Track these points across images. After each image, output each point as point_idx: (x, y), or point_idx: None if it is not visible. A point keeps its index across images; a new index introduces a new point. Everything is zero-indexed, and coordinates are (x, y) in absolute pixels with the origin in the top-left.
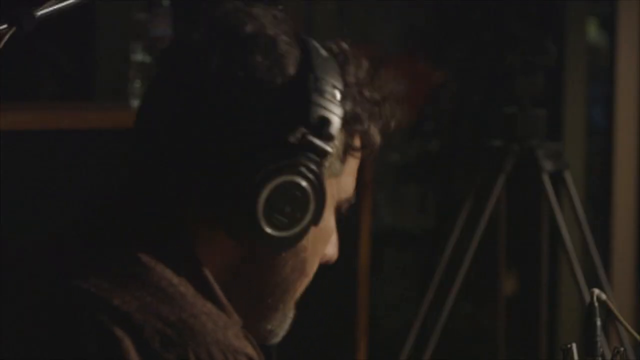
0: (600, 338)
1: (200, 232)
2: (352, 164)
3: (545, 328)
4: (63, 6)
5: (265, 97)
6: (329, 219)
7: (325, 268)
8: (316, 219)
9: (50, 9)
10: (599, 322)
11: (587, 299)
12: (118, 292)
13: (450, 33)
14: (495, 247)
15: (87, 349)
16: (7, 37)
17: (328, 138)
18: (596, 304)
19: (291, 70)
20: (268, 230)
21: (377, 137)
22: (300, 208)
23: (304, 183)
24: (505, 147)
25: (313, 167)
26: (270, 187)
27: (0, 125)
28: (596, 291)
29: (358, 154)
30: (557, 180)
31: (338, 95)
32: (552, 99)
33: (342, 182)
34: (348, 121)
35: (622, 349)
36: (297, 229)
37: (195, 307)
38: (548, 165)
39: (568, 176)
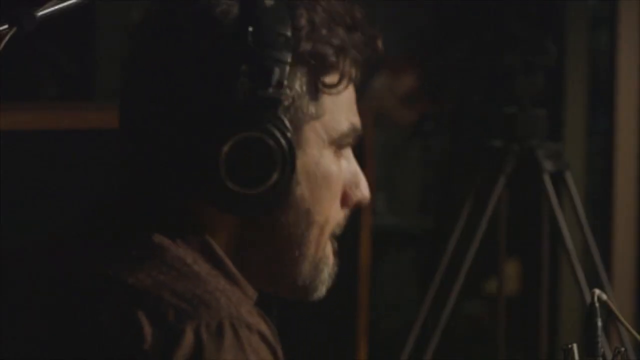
0: (601, 338)
1: (203, 213)
2: (336, 101)
3: (546, 328)
4: (64, 6)
5: (207, 62)
6: (324, 162)
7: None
8: (288, 168)
9: (51, 9)
10: (599, 323)
11: (588, 299)
12: (132, 272)
13: (451, 33)
14: (496, 247)
15: (103, 327)
16: (7, 37)
17: (277, 86)
18: (597, 304)
19: (229, 29)
20: (241, 191)
21: (351, 69)
22: (265, 161)
23: (259, 136)
24: (505, 147)
25: (267, 118)
26: (227, 148)
27: (0, 125)
28: (597, 291)
29: (336, 90)
30: (558, 180)
31: (283, 41)
32: (552, 99)
33: (327, 122)
34: (308, 61)
35: (622, 349)
36: (270, 183)
37: (209, 284)
38: (548, 166)
39: (569, 176)
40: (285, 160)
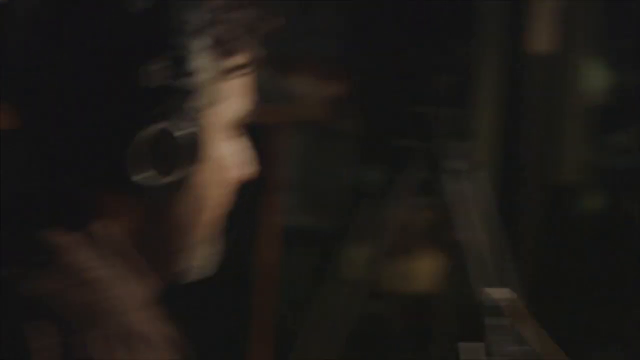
0: (503, 337)
1: (107, 203)
2: (234, 85)
3: (444, 327)
4: None
5: (111, 52)
6: (219, 148)
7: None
8: (189, 159)
9: None
10: (498, 322)
11: (489, 298)
12: (28, 279)
13: (367, 36)
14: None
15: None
16: None
17: (182, 75)
18: (497, 303)
19: (136, 20)
20: (144, 182)
21: (248, 52)
22: (168, 154)
23: (162, 129)
24: (416, 146)
25: (168, 109)
26: (131, 141)
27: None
28: (496, 290)
29: (239, 73)
30: (469, 179)
31: (190, 29)
32: (463, 99)
33: (225, 107)
34: (213, 47)
35: (528, 347)
36: (174, 174)
37: (103, 291)
38: (459, 165)
39: (480, 176)
40: (188, 149)
